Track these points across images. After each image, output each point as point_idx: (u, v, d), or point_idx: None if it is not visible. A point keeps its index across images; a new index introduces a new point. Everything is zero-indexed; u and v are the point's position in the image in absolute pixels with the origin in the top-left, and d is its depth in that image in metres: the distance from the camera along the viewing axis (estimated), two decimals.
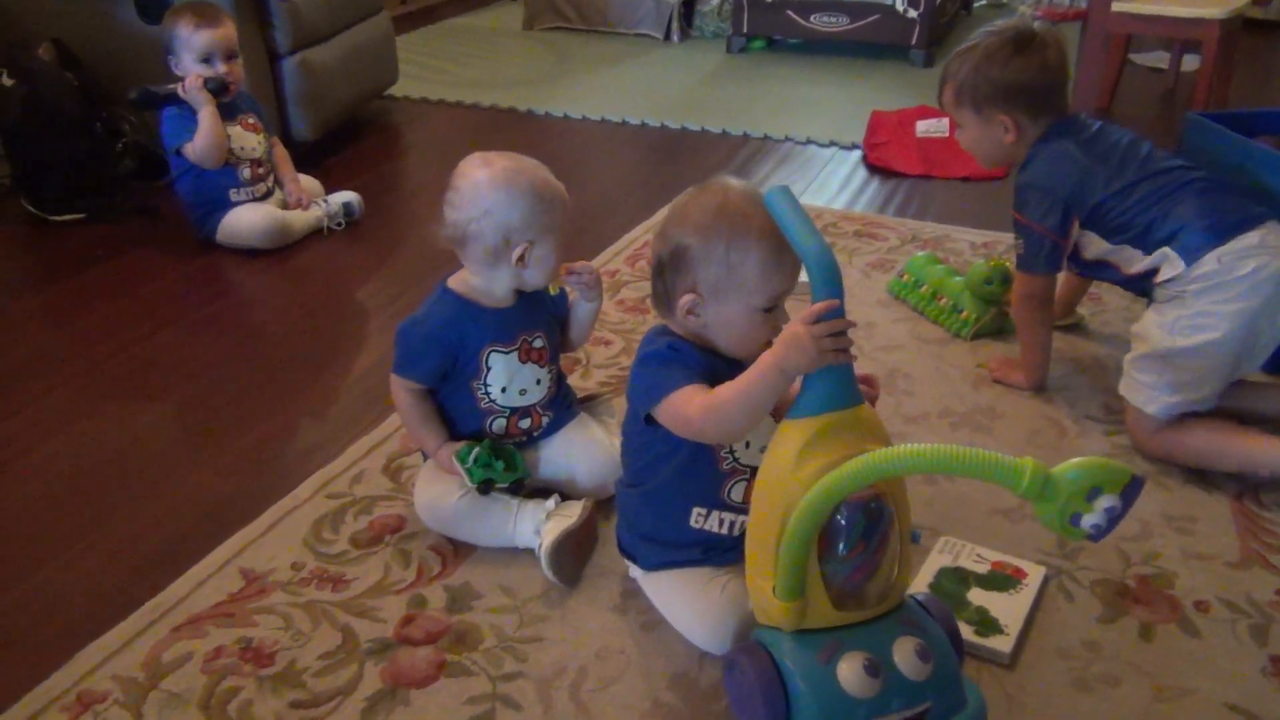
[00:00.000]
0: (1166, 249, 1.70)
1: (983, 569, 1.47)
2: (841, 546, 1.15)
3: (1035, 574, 1.46)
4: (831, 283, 1.12)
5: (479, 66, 4.33)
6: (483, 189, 1.49)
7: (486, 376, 1.56)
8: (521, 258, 1.51)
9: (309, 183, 2.78)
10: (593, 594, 1.47)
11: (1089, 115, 1.87)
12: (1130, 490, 0.97)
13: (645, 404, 1.29)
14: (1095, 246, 1.79)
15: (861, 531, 1.15)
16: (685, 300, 1.28)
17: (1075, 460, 0.97)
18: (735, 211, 1.25)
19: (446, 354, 1.54)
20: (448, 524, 1.56)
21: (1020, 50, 1.78)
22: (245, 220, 2.57)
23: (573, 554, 1.49)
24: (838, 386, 1.13)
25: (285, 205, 2.68)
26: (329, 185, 2.83)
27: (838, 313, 1.12)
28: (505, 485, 1.54)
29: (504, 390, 1.58)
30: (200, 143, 2.50)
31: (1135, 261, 1.75)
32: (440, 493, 1.55)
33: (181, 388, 2.05)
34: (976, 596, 1.42)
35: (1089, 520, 0.97)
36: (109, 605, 1.45)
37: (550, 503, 1.53)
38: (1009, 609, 1.40)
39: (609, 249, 2.54)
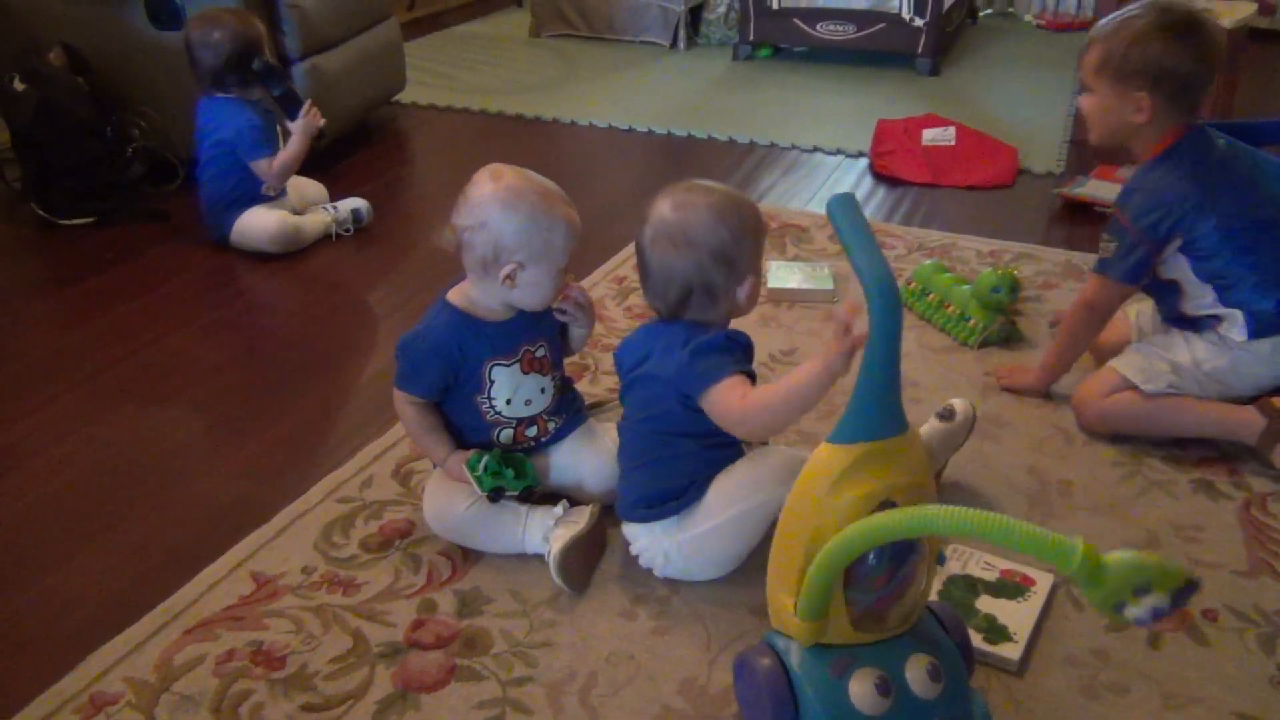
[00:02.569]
0: (1239, 312, 1.71)
1: (991, 576, 1.48)
2: (869, 576, 1.13)
3: (1044, 581, 1.47)
4: (890, 307, 1.06)
5: (486, 73, 4.34)
6: (484, 200, 1.49)
7: (490, 390, 1.56)
8: (510, 277, 1.50)
9: (313, 187, 2.79)
10: (602, 599, 1.47)
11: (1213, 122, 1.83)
12: (1182, 594, 0.93)
13: (697, 390, 1.39)
14: (1179, 272, 1.76)
15: (889, 561, 1.13)
16: (747, 285, 1.46)
17: (1131, 553, 0.93)
18: (753, 215, 1.49)
19: (448, 367, 1.54)
20: (457, 532, 1.56)
21: (1184, 35, 1.69)
22: (258, 223, 2.59)
23: (581, 560, 1.49)
24: (882, 414, 1.10)
25: (296, 210, 2.69)
26: (337, 191, 2.84)
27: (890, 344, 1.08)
28: (515, 493, 1.54)
29: (509, 402, 1.58)
30: (284, 166, 2.59)
31: (1204, 305, 1.75)
32: (449, 501, 1.56)
33: (192, 391, 2.06)
34: (985, 604, 1.43)
35: (1132, 612, 0.93)
36: (121, 607, 1.46)
37: (558, 509, 1.54)
38: (1018, 616, 1.40)
39: (616, 255, 2.55)
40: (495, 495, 1.53)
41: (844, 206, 1.08)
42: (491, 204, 1.48)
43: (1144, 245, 1.73)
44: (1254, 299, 1.71)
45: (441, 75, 4.25)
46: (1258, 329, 1.72)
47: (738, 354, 1.43)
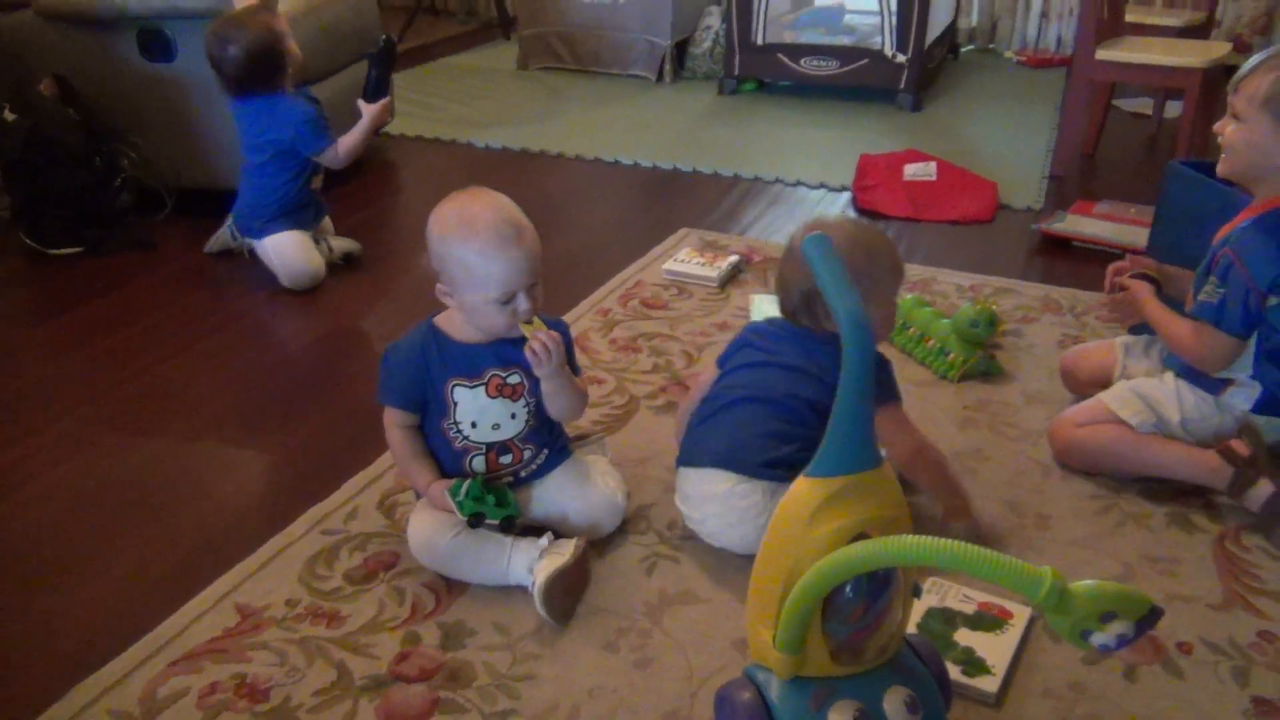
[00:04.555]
0: (1259, 385, 1.73)
1: (969, 609, 1.50)
2: (846, 608, 1.15)
3: (1021, 615, 1.49)
4: (863, 345, 1.08)
5: (474, 105, 4.39)
6: (430, 221, 1.54)
7: (455, 413, 1.58)
8: (447, 294, 1.55)
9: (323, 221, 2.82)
10: (584, 632, 1.48)
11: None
12: (1146, 620, 0.96)
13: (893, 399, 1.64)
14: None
15: (865, 594, 1.15)
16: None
17: (1097, 583, 0.96)
18: (882, 252, 1.64)
19: (415, 379, 1.58)
20: (441, 561, 1.57)
21: None
22: (295, 256, 2.60)
23: (565, 592, 1.50)
24: (856, 448, 1.12)
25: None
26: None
27: (863, 380, 1.11)
28: (495, 522, 1.55)
29: (474, 425, 1.59)
30: (350, 151, 2.65)
31: (1232, 370, 1.73)
32: (434, 530, 1.57)
33: (179, 422, 2.07)
34: (964, 637, 1.45)
35: (1099, 639, 0.96)
36: (106, 638, 1.46)
37: (544, 540, 1.55)
38: (995, 649, 1.42)
39: (601, 288, 2.57)
40: (475, 521, 1.54)
41: (818, 246, 1.10)
42: (431, 225, 1.54)
43: (1255, 294, 1.66)
44: None
45: (429, 107, 4.29)
46: (1266, 407, 1.73)
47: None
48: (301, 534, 1.68)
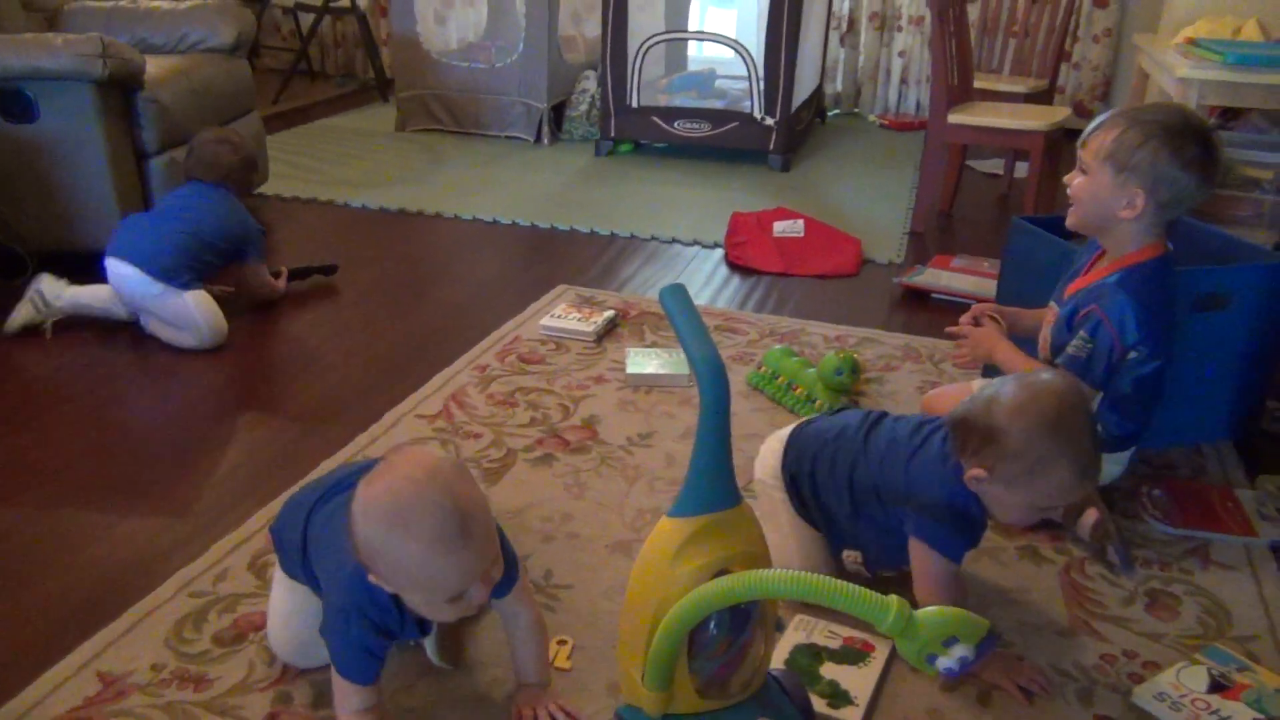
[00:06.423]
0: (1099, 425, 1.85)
1: (835, 644, 1.56)
2: (710, 645, 1.19)
3: (883, 648, 1.55)
4: (718, 389, 1.11)
5: (351, 166, 4.38)
6: (356, 501, 1.22)
7: None
8: (382, 580, 1.24)
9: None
10: (461, 685, 1.49)
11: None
12: (984, 645, 1.05)
13: (944, 550, 1.53)
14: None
15: (728, 630, 1.19)
16: (977, 471, 1.46)
17: (939, 609, 1.04)
18: (1066, 424, 1.43)
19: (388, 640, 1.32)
20: (311, 655, 1.46)
21: (1201, 150, 1.71)
22: (214, 310, 2.62)
23: (454, 637, 1.51)
24: (716, 488, 1.16)
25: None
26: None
27: (720, 423, 1.13)
28: None
29: None
30: (267, 288, 2.88)
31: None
32: (296, 622, 1.46)
33: (38, 490, 2.00)
34: (829, 670, 1.50)
35: (943, 663, 1.04)
36: None
37: None
38: (859, 681, 1.48)
39: (479, 345, 2.60)
40: None
41: (675, 296, 1.14)
42: (356, 512, 1.21)
43: (1118, 350, 1.76)
44: (1120, 424, 1.83)
45: (305, 168, 4.27)
46: (1104, 445, 1.84)
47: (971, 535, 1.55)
48: (169, 597, 1.64)
